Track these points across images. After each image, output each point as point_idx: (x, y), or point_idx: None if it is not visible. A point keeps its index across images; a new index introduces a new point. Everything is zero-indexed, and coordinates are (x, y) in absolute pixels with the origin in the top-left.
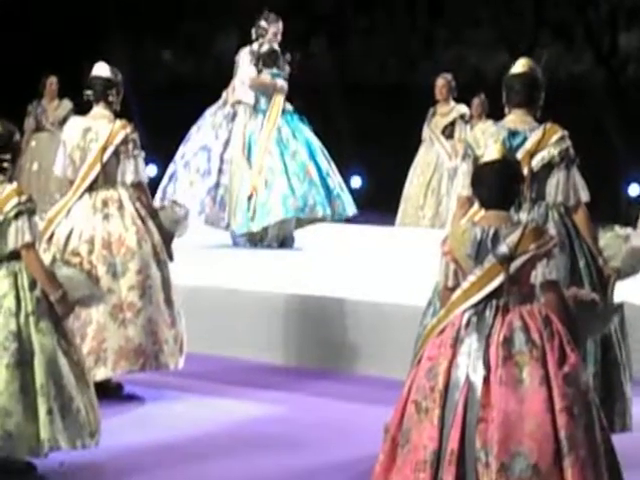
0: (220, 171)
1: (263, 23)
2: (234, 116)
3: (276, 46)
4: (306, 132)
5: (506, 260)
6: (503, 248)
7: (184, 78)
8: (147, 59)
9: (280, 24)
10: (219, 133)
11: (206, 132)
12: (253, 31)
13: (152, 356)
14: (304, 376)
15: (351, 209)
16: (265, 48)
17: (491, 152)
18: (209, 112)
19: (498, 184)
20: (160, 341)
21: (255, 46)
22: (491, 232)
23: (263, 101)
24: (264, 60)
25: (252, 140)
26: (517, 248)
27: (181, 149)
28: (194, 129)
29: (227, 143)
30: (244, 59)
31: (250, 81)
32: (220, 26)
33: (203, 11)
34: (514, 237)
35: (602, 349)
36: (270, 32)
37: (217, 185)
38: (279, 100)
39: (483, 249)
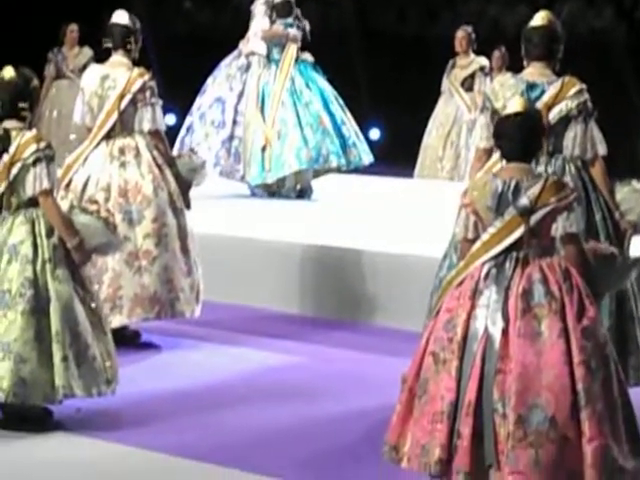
0: (234, 123)
1: None
2: (248, 67)
3: None
4: (320, 81)
5: (527, 212)
6: (524, 200)
7: (203, 28)
8: (167, 8)
9: None
10: (233, 85)
11: (221, 84)
12: None
13: (168, 304)
14: (321, 326)
15: (367, 157)
16: None
17: (513, 104)
18: (224, 63)
19: (520, 137)
20: (176, 289)
21: None
22: (512, 184)
23: (276, 52)
24: (278, 10)
25: (265, 91)
26: (538, 201)
27: (197, 100)
28: (210, 80)
29: (241, 94)
30: (258, 10)
31: (262, 32)
32: None
33: None
34: (535, 190)
35: (617, 302)
36: None
37: (231, 137)
38: (292, 50)
39: (504, 201)
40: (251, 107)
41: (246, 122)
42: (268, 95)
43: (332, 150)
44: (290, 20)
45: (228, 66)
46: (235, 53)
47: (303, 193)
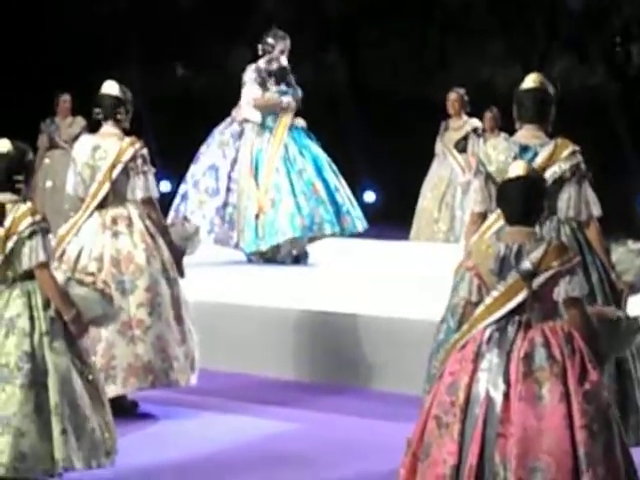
0: (228, 190)
1: (270, 39)
2: (241, 134)
3: (284, 62)
4: (313, 148)
5: (529, 276)
6: (526, 264)
7: (197, 94)
8: (161, 74)
9: (287, 41)
10: (226, 152)
11: (214, 151)
12: (260, 47)
13: (162, 373)
14: (317, 392)
15: (361, 224)
16: (274, 65)
17: (515, 168)
18: (217, 130)
19: (522, 201)
20: (170, 358)
21: (261, 63)
22: (515, 248)
23: (270, 119)
24: (274, 77)
25: (259, 158)
26: (540, 264)
27: (191, 168)
28: (203, 148)
29: (235, 162)
30: (249, 76)
31: (255, 101)
32: (234, 42)
33: (218, 27)
34: (537, 253)
35: (616, 362)
36: (277, 49)
37: (225, 204)
38: (286, 118)
39: (507, 265)
40: (245, 174)
41: (240, 188)
42: (262, 162)
43: (326, 218)
44: (284, 87)
45: (221, 133)
46: (228, 120)
47: (299, 259)
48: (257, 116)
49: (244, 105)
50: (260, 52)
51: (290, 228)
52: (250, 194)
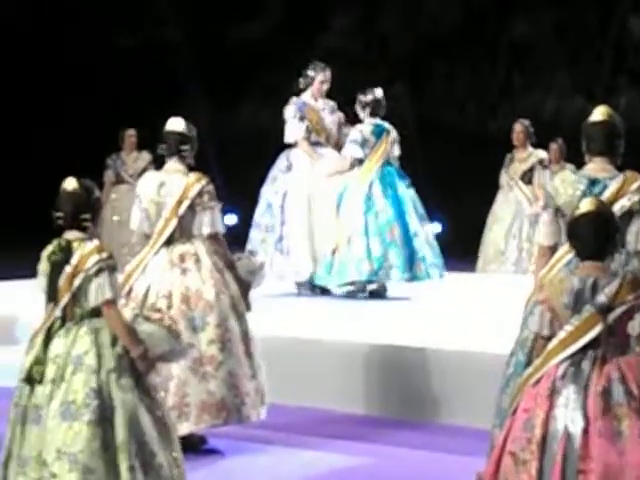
0: (282, 224)
1: (310, 72)
2: (290, 167)
3: (379, 94)
4: (400, 189)
5: (605, 310)
6: (602, 298)
7: (263, 128)
8: (225, 110)
9: (328, 72)
10: (277, 186)
11: (267, 189)
12: (301, 80)
13: (234, 409)
14: (387, 426)
15: (436, 273)
16: (369, 97)
17: (586, 204)
18: (272, 168)
19: (595, 236)
20: (242, 394)
21: (304, 96)
22: (589, 282)
23: (365, 152)
24: (370, 108)
25: (344, 192)
26: (615, 298)
27: (256, 212)
28: (261, 190)
29: (285, 195)
30: (289, 113)
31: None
32: (298, 75)
33: (282, 61)
34: (612, 287)
35: None
36: (317, 80)
37: (281, 238)
38: (378, 154)
39: (581, 299)
40: (329, 204)
41: (321, 218)
42: (345, 197)
43: (396, 264)
44: (377, 120)
45: (272, 169)
46: (280, 157)
47: (377, 294)
48: (359, 152)
49: (348, 142)
50: (302, 85)
51: (356, 272)
52: (331, 228)
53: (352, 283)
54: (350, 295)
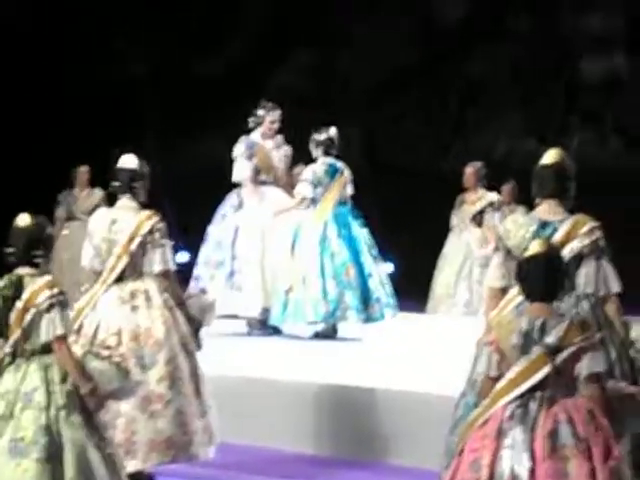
0: (233, 258)
1: (260, 111)
2: (241, 204)
3: (333, 133)
4: (355, 229)
5: (553, 351)
6: (550, 339)
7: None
8: (179, 147)
9: (277, 112)
10: (228, 222)
11: (217, 226)
12: (250, 120)
13: (182, 447)
14: (337, 466)
15: (390, 314)
16: (323, 135)
17: (535, 246)
18: (221, 206)
19: (543, 277)
20: (190, 432)
21: (253, 136)
22: (538, 323)
23: (318, 191)
24: (323, 147)
25: (298, 231)
26: (564, 340)
27: (202, 249)
28: (209, 228)
29: (237, 230)
30: (237, 151)
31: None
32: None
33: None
34: (561, 329)
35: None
36: (267, 120)
37: (232, 273)
38: (332, 194)
39: (529, 340)
40: (285, 242)
41: (245, 257)
42: (299, 237)
43: (352, 305)
44: (331, 159)
45: (222, 207)
46: (230, 195)
47: (326, 335)
48: (309, 191)
49: (301, 181)
50: (251, 124)
51: (313, 313)
52: (284, 265)
53: (314, 323)
54: (318, 336)
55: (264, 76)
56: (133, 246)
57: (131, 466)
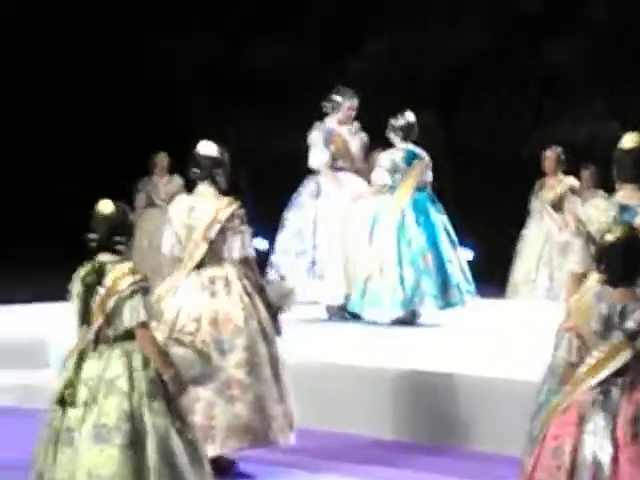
0: (314, 247)
1: (337, 97)
2: (319, 192)
3: (412, 118)
4: (433, 215)
5: (634, 336)
6: (631, 324)
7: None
8: (254, 134)
9: (355, 100)
10: (306, 212)
11: (295, 214)
12: (327, 105)
13: (261, 433)
14: (416, 451)
15: (469, 299)
16: (401, 121)
17: (615, 230)
18: (296, 194)
19: (623, 262)
20: (269, 417)
21: (328, 122)
22: (618, 308)
23: (395, 178)
24: (402, 132)
25: (376, 218)
26: None
27: (279, 236)
28: (286, 213)
29: (315, 219)
30: (314, 139)
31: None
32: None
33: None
34: None
35: None
36: (345, 106)
37: (314, 262)
38: (411, 180)
39: (610, 325)
40: (363, 230)
41: (327, 244)
42: (377, 225)
43: (429, 292)
44: (410, 145)
45: (299, 195)
46: (306, 182)
47: (408, 321)
48: (387, 178)
49: (378, 168)
50: (327, 110)
51: (390, 302)
52: (362, 255)
53: (392, 310)
54: (398, 322)
55: (337, 64)
56: (212, 233)
57: (210, 451)
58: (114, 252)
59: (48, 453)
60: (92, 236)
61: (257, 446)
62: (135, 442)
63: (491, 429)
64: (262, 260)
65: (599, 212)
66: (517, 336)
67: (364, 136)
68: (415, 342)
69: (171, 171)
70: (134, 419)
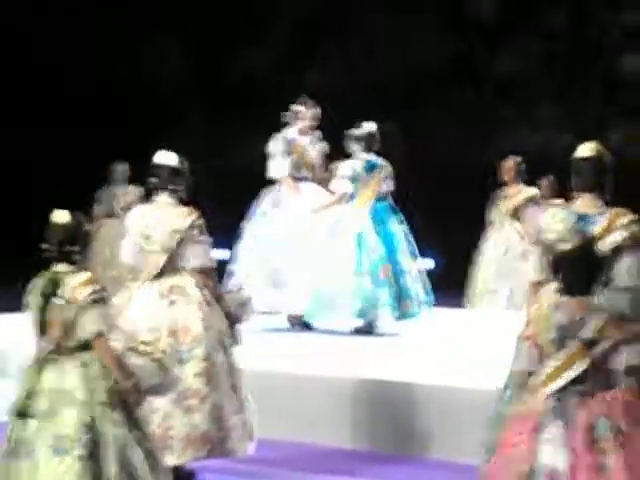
0: (275, 256)
1: (299, 107)
2: (279, 202)
3: (373, 128)
4: (392, 225)
5: (591, 345)
6: (587, 333)
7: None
8: (221, 141)
9: (318, 110)
10: (267, 220)
11: (257, 221)
12: (288, 114)
13: (218, 442)
14: (376, 461)
15: (425, 310)
16: (362, 131)
17: (570, 240)
18: (256, 203)
19: (578, 272)
20: (226, 427)
21: (289, 132)
22: (575, 318)
23: (355, 186)
24: (364, 143)
25: (336, 227)
26: (601, 333)
27: (237, 246)
28: (245, 223)
29: (277, 228)
30: (274, 149)
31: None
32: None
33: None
34: (597, 323)
35: None
36: (307, 117)
37: (275, 271)
38: (370, 190)
39: (566, 334)
40: (322, 237)
41: (292, 255)
42: (337, 233)
43: (386, 302)
44: (372, 157)
45: (260, 203)
46: (267, 191)
47: (364, 331)
48: (348, 187)
49: (338, 177)
50: (288, 120)
51: (346, 311)
52: (320, 263)
53: (349, 319)
54: (356, 331)
55: (295, 75)
56: (172, 242)
57: (168, 461)
58: (69, 262)
59: (9, 466)
60: (46, 246)
61: (215, 456)
62: (94, 453)
63: (450, 438)
64: (221, 270)
65: (555, 221)
66: (477, 346)
67: (325, 145)
68: (374, 352)
69: (130, 181)
70: (93, 430)
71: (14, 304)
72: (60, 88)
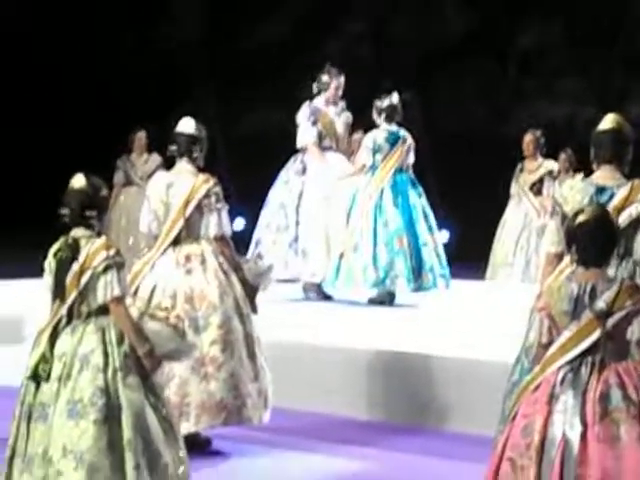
0: (297, 224)
1: (324, 77)
2: (304, 170)
3: (395, 100)
4: (412, 198)
5: (603, 316)
6: (600, 304)
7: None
8: (236, 111)
9: (342, 78)
10: (292, 187)
11: (280, 189)
12: (315, 86)
13: (234, 410)
14: (391, 432)
15: (442, 284)
16: (385, 102)
17: (587, 210)
18: (282, 171)
19: (593, 242)
20: (242, 395)
21: (317, 102)
22: (588, 288)
23: (378, 158)
24: (386, 114)
25: (355, 197)
26: (614, 304)
27: (262, 212)
28: (271, 190)
29: (301, 195)
30: (302, 116)
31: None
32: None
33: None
34: (611, 293)
35: None
36: (332, 86)
37: (297, 238)
38: (392, 161)
39: (580, 305)
40: (341, 208)
41: (311, 222)
42: (356, 203)
43: (403, 273)
44: (394, 127)
45: (285, 172)
46: (292, 159)
47: (383, 302)
48: (369, 158)
49: (361, 148)
50: (315, 90)
51: (362, 280)
52: (340, 232)
53: (364, 288)
54: (374, 302)
55: (319, 43)
56: (189, 210)
57: (184, 428)
58: (87, 227)
59: (21, 429)
60: (64, 211)
61: (231, 424)
62: (110, 417)
63: (465, 410)
64: (242, 239)
65: (575, 192)
66: (493, 318)
67: (349, 115)
68: (391, 323)
69: (149, 149)
70: (108, 394)
71: (32, 270)
72: (79, 56)
